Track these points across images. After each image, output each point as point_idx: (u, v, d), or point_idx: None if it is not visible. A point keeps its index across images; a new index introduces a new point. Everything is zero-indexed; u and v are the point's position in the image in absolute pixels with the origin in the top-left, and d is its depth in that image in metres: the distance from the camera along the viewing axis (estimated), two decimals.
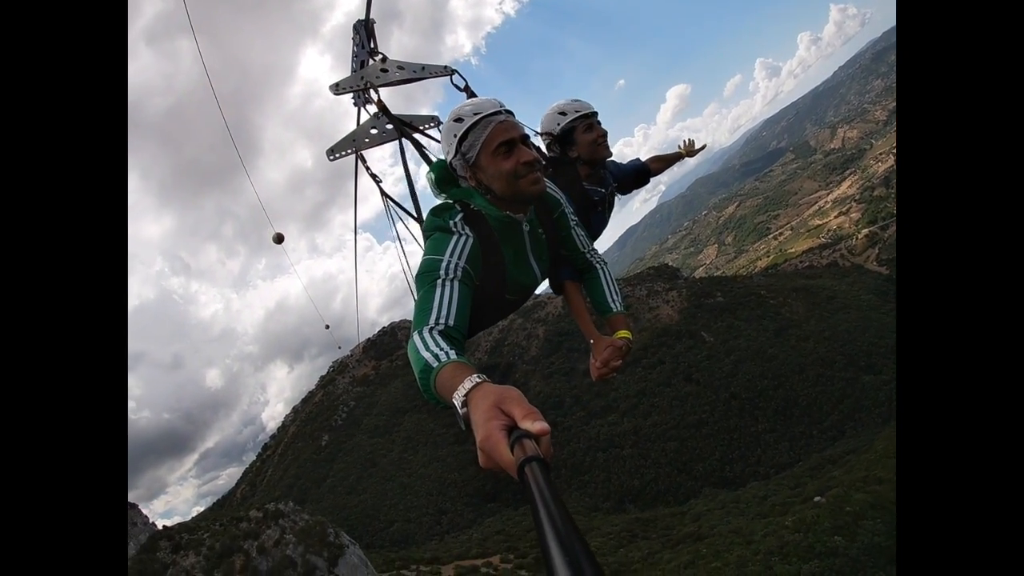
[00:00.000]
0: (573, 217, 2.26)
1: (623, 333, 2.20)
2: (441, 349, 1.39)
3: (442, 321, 1.54)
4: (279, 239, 7.86)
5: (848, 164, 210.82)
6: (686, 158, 3.59)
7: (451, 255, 1.71)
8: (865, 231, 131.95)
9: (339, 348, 20.63)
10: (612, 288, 2.34)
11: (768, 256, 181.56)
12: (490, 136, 1.76)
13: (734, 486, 58.25)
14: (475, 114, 1.78)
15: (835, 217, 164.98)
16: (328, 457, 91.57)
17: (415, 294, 1.73)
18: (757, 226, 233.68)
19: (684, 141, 3.58)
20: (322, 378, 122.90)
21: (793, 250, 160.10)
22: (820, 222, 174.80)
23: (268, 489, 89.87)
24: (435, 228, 1.80)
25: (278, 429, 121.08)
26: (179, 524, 32.05)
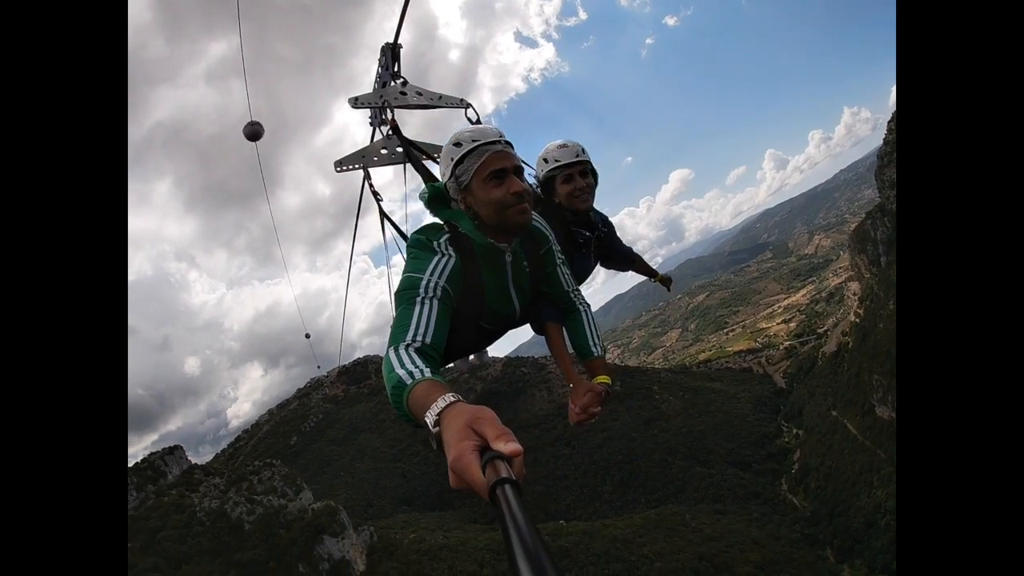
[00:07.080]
0: (560, 255, 2.23)
1: (602, 379, 2.14)
2: (416, 367, 1.35)
3: (419, 339, 1.52)
4: (253, 133, 5.38)
5: (812, 272, 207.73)
6: (656, 280, 3.72)
7: (432, 274, 1.69)
8: (786, 343, 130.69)
9: (318, 367, 21.49)
10: (593, 332, 2.27)
11: (711, 350, 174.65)
12: (484, 163, 1.75)
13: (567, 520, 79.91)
14: (473, 140, 1.77)
15: (777, 324, 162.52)
16: (293, 455, 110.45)
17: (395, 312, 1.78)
18: (717, 318, 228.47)
19: (662, 276, 3.74)
20: (299, 390, 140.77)
21: (730, 349, 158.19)
22: (765, 326, 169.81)
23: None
24: (418, 246, 1.80)
25: (252, 425, 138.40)
26: (206, 463, 59.29)
